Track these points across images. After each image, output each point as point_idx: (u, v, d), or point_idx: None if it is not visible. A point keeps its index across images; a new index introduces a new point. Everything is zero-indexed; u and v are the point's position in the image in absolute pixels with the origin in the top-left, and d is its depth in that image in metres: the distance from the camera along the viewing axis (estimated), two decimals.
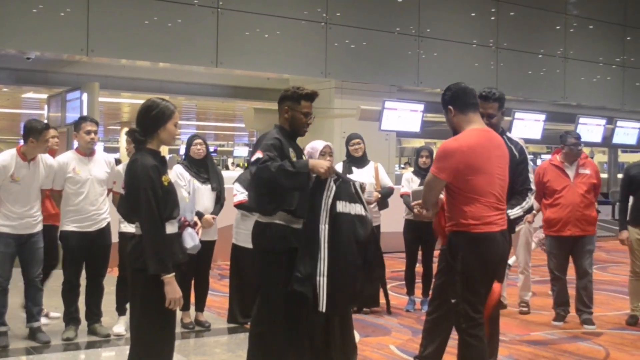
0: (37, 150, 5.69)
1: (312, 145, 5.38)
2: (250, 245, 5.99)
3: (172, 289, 3.66)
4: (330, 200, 4.15)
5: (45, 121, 8.48)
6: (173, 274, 3.68)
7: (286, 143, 4.30)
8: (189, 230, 4.18)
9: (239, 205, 6.36)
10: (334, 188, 4.17)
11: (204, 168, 6.42)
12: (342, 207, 4.18)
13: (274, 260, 4.30)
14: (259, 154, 4.16)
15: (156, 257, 3.63)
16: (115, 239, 6.13)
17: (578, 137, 6.81)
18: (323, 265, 4.07)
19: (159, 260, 3.63)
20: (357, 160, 6.95)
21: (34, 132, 5.63)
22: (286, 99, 4.38)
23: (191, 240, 4.16)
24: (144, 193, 3.66)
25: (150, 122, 3.80)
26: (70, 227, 5.84)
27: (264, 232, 4.36)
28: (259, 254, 4.45)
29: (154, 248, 3.63)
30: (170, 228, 3.80)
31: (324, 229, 4.11)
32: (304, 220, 4.23)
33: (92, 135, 5.92)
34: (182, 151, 34.53)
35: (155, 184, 3.69)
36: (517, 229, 5.92)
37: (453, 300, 4.21)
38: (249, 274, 6.24)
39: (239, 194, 6.34)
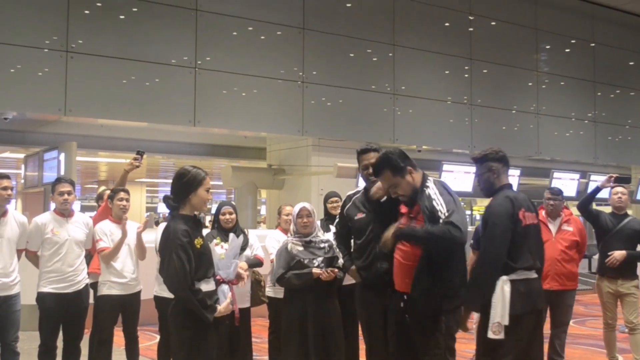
0: None
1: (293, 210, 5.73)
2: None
3: (224, 309, 4.11)
4: None
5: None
6: (217, 309, 4.05)
7: None
8: (222, 287, 4.58)
9: None
10: None
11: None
12: None
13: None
14: None
15: (200, 307, 3.89)
16: (92, 300, 6.05)
17: (555, 192, 6.87)
18: None
19: (204, 305, 3.91)
20: (334, 218, 6.96)
21: None
22: None
23: (223, 297, 4.47)
24: (169, 254, 3.90)
25: (182, 189, 4.04)
26: (47, 288, 5.76)
27: None
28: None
29: (192, 304, 3.89)
30: (206, 286, 4.03)
31: None
32: None
33: (66, 196, 5.85)
34: (160, 209, 34.39)
35: (186, 246, 3.89)
36: None
37: None
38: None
39: None
